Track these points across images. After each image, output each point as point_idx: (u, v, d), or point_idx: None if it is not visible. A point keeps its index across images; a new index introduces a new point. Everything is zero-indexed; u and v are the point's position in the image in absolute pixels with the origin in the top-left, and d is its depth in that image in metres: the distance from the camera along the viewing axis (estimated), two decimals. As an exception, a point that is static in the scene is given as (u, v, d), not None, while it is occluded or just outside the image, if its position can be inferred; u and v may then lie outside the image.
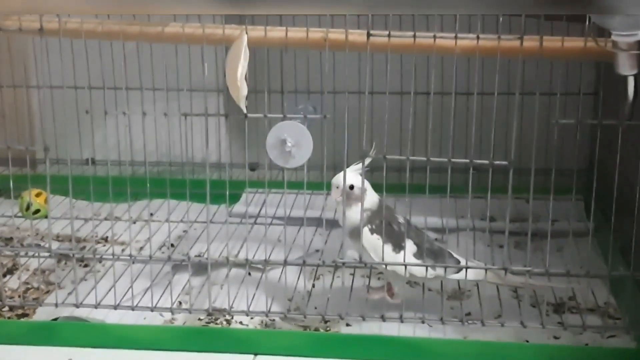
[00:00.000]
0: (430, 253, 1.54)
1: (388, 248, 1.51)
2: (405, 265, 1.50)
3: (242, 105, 1.43)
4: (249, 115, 1.44)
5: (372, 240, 1.50)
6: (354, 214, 1.49)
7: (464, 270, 1.52)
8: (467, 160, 1.40)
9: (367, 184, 1.51)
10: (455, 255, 1.55)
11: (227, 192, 1.51)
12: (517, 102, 1.38)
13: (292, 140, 1.42)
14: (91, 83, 1.53)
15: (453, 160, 1.41)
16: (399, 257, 1.51)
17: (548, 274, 1.46)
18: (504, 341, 1.49)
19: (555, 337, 1.53)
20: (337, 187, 1.50)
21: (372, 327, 1.54)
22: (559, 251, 1.83)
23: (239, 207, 2.11)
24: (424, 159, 1.42)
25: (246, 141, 1.45)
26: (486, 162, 1.40)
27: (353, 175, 1.49)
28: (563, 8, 1.31)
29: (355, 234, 1.51)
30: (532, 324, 1.49)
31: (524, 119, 1.46)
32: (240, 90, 1.40)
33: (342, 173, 1.49)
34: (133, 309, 1.53)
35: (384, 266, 1.51)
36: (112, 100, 1.52)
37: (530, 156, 1.40)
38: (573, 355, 1.45)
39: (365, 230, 1.50)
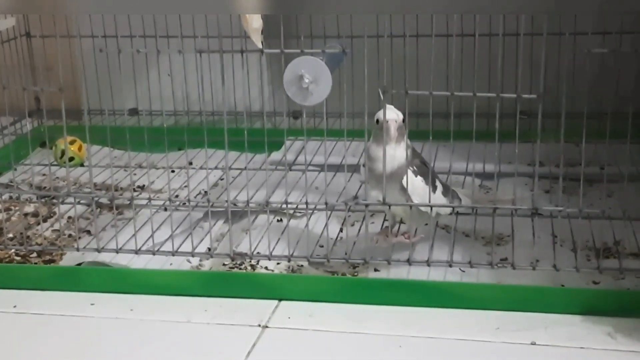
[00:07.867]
0: (447, 189, 1.52)
1: (428, 189, 1.45)
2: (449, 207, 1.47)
3: (256, 39, 1.37)
4: (265, 50, 1.39)
5: (417, 184, 1.43)
6: (400, 151, 1.41)
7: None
8: (494, 94, 1.32)
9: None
10: (452, 188, 1.56)
11: (246, 139, 1.46)
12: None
13: (310, 76, 1.34)
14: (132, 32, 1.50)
15: (478, 94, 1.33)
16: (435, 197, 1.45)
17: (581, 215, 1.38)
18: (537, 285, 1.42)
19: (595, 282, 1.45)
20: (395, 121, 1.40)
21: (401, 272, 1.48)
22: (609, 196, 1.74)
23: (276, 155, 2.06)
24: (448, 93, 1.35)
25: (264, 79, 1.40)
26: (513, 95, 1.31)
27: (391, 110, 1.41)
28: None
29: (398, 174, 1.42)
30: (566, 267, 1.40)
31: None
32: (250, 22, 1.34)
33: (389, 108, 1.40)
34: (154, 254, 1.51)
35: (409, 207, 1.45)
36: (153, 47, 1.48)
37: (583, 101, 1.30)
38: (610, 299, 1.37)
39: (410, 174, 1.43)
